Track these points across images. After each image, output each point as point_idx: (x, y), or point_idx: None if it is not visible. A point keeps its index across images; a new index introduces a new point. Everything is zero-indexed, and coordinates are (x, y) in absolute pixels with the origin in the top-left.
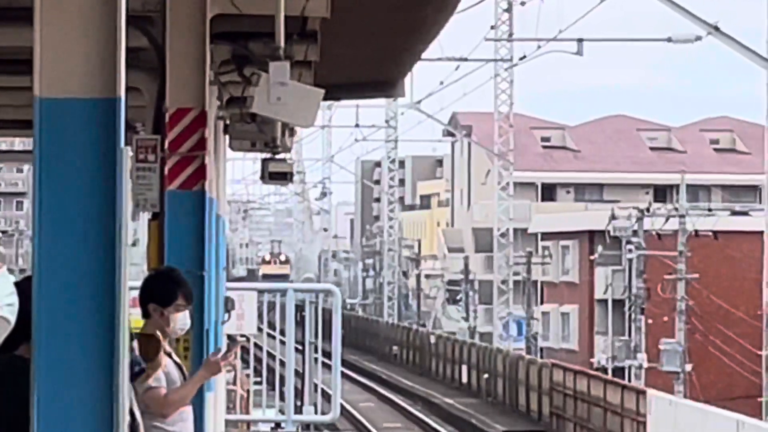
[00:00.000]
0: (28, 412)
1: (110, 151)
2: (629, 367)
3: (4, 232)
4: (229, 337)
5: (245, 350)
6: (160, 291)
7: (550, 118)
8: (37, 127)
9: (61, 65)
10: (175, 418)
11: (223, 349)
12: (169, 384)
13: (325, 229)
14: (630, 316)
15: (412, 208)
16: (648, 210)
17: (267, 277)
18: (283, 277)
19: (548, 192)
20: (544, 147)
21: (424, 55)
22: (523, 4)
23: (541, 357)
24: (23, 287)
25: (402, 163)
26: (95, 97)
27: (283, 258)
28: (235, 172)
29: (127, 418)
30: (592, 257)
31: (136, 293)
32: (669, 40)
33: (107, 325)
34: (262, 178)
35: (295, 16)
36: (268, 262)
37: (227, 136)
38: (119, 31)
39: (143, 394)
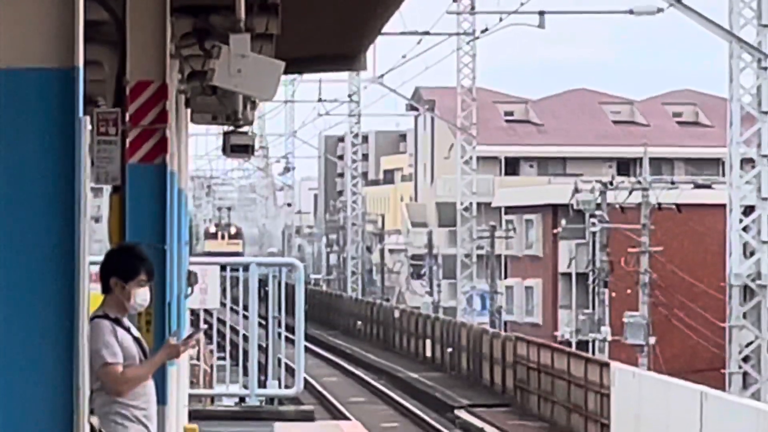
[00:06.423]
0: None
1: (69, 121)
2: (593, 341)
3: None
4: (193, 319)
5: (209, 325)
6: (123, 265)
7: (513, 92)
8: None
9: (19, 34)
10: (139, 391)
11: (185, 333)
12: (126, 360)
13: (289, 205)
14: (594, 289)
15: (375, 183)
16: (611, 183)
17: (213, 256)
18: (235, 256)
19: (511, 166)
20: (507, 121)
21: (386, 29)
22: None
23: (505, 331)
24: None
25: (365, 138)
26: (53, 66)
27: (233, 230)
28: (198, 147)
29: (88, 392)
30: (555, 231)
31: (97, 268)
32: (631, 12)
33: (67, 298)
34: (224, 151)
35: None
36: (214, 236)
37: (189, 110)
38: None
39: (99, 369)
